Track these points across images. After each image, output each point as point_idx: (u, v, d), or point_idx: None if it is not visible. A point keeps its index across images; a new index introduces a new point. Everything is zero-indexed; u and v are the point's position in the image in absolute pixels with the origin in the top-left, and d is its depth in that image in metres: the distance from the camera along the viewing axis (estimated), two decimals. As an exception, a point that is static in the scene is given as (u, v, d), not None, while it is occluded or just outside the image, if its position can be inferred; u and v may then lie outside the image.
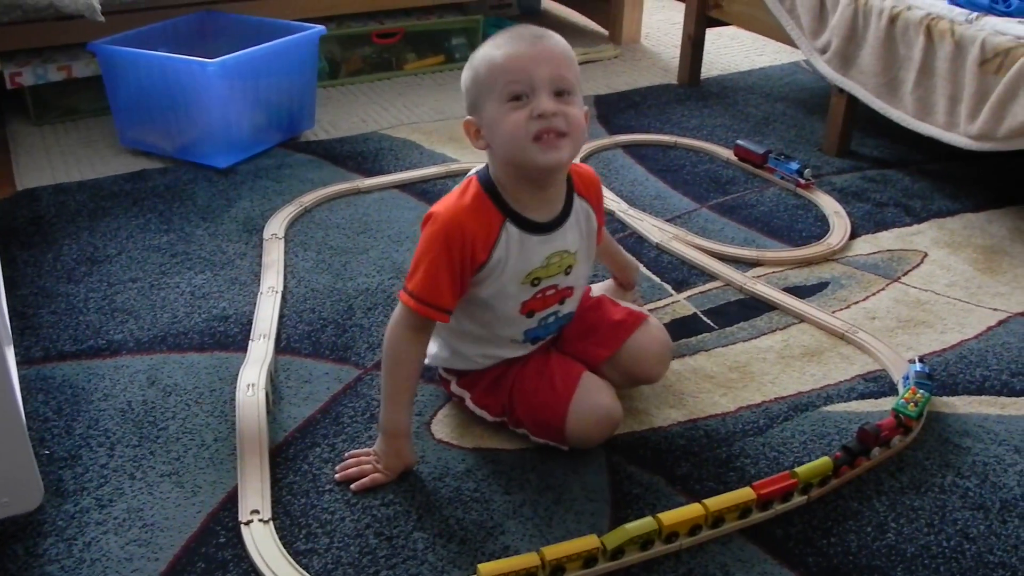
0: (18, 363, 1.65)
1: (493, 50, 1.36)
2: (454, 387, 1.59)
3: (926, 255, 2.14)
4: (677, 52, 3.28)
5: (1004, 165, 2.55)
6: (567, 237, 1.47)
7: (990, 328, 1.87)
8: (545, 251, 1.45)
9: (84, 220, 2.19)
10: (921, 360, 1.70)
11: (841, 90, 2.56)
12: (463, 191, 1.43)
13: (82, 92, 2.76)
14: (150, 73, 2.40)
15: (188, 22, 2.72)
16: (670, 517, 1.32)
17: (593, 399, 1.48)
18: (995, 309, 1.94)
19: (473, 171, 1.47)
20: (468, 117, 1.42)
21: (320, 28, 2.63)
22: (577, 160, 2.48)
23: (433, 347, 1.57)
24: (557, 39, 1.38)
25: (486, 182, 1.42)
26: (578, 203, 1.50)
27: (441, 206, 1.42)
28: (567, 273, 1.50)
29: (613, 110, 2.96)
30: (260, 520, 1.35)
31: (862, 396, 1.67)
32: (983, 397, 1.68)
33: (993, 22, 2.13)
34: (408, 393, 1.44)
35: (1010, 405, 1.66)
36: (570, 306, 1.55)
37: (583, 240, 1.51)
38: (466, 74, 1.40)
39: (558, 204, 1.46)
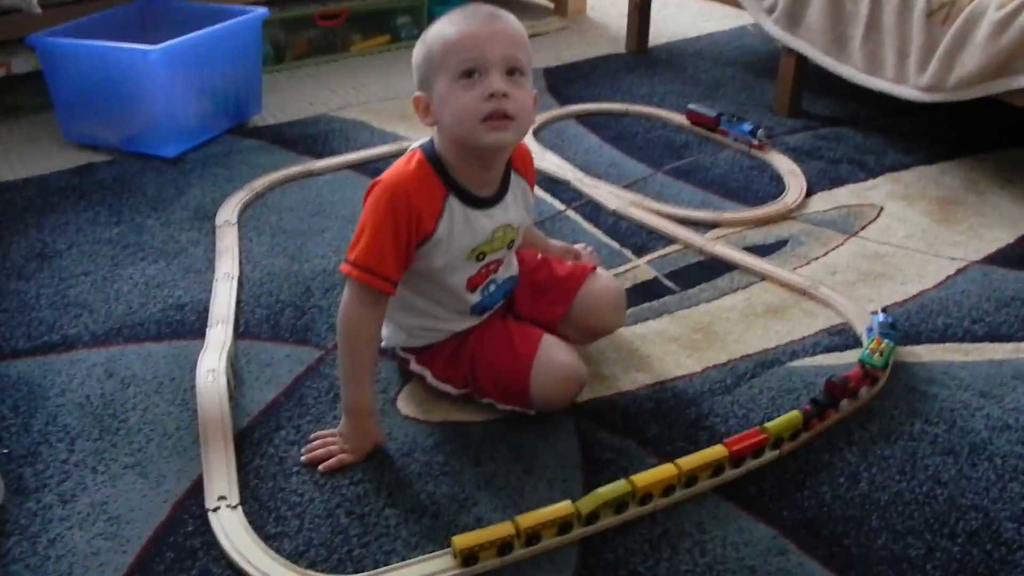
0: (-30, 362, 1.61)
1: (447, 27, 1.35)
2: (413, 366, 1.57)
3: (882, 209, 2.15)
4: (624, 22, 3.27)
5: (954, 117, 2.57)
6: (510, 212, 1.47)
7: (949, 277, 1.88)
8: (490, 225, 1.44)
9: (32, 216, 2.14)
10: (884, 311, 1.70)
11: (790, 49, 2.57)
12: (407, 162, 1.41)
13: (23, 88, 2.70)
14: (91, 64, 2.35)
15: (128, 11, 2.66)
16: (643, 479, 1.32)
17: (555, 358, 1.47)
18: (953, 258, 1.95)
19: (416, 144, 1.45)
20: (418, 93, 1.40)
21: (263, 10, 2.59)
22: (529, 132, 2.49)
23: (386, 329, 1.55)
24: (511, 19, 1.37)
25: (431, 155, 1.41)
26: (515, 179, 1.49)
27: (385, 174, 1.40)
28: (510, 247, 1.51)
29: (563, 81, 2.94)
30: (228, 506, 1.33)
31: (827, 350, 1.67)
32: (946, 344, 1.68)
33: (938, -27, 2.14)
34: (368, 372, 1.42)
35: (973, 351, 1.67)
36: (504, 272, 1.54)
37: (523, 215, 1.52)
38: (418, 49, 1.39)
39: (498, 180, 1.46)
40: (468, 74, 1.32)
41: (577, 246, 1.84)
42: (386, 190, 1.37)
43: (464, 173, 1.41)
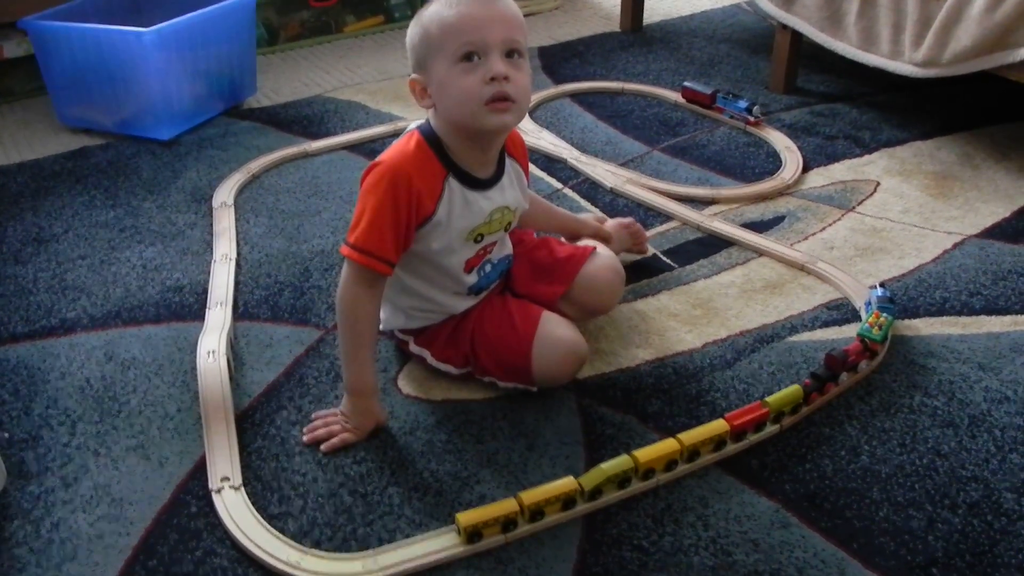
0: (-30, 347, 1.61)
1: (444, 8, 1.33)
2: (412, 347, 1.57)
3: (879, 184, 2.14)
4: (618, 0, 3.26)
5: (950, 92, 2.56)
6: (506, 194, 1.47)
7: (946, 251, 1.89)
8: (488, 207, 1.44)
9: (27, 201, 2.14)
10: (882, 285, 1.70)
11: (785, 26, 2.56)
12: (406, 143, 1.41)
13: (15, 73, 2.70)
14: (84, 47, 2.34)
15: (120, -6, 2.66)
16: (646, 454, 1.32)
17: (556, 334, 1.47)
18: (949, 232, 1.95)
19: (413, 125, 1.45)
20: (414, 75, 1.39)
21: (256, -8, 2.58)
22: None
23: (383, 311, 1.55)
24: (508, 0, 1.36)
25: (429, 136, 1.40)
26: (509, 162, 1.49)
27: (385, 156, 1.39)
28: (506, 230, 1.51)
29: (558, 60, 2.94)
30: (231, 487, 1.33)
31: (826, 324, 1.68)
32: (944, 318, 1.69)
33: (933, -54, 2.13)
34: (368, 350, 1.42)
35: (971, 324, 1.67)
36: (499, 252, 1.54)
37: (519, 198, 1.52)
38: (413, 31, 1.37)
39: (494, 162, 1.46)
40: (468, 57, 1.31)
41: (625, 220, 1.85)
42: (387, 172, 1.36)
43: (462, 154, 1.41)
